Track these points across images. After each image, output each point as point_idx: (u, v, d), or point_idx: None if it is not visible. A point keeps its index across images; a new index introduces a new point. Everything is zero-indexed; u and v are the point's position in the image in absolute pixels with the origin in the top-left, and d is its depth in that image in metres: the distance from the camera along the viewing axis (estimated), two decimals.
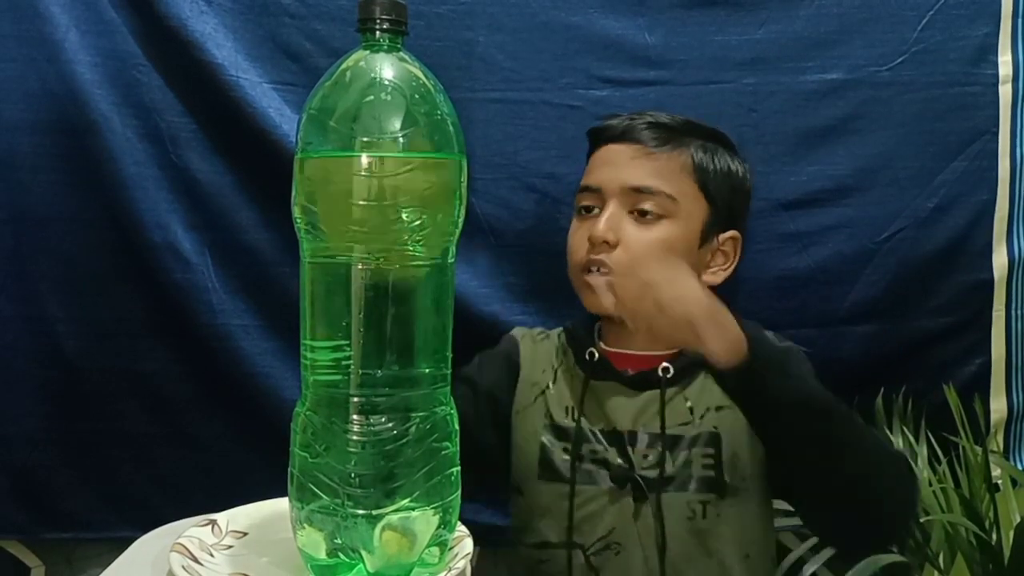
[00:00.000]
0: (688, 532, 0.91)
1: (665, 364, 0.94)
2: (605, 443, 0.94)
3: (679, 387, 0.94)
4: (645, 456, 0.93)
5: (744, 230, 1.03)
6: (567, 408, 0.97)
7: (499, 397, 1.01)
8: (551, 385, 0.99)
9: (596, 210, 0.96)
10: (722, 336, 0.78)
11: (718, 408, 0.92)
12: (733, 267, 1.01)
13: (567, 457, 0.95)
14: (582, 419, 0.95)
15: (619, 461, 0.93)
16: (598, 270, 0.93)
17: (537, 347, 1.03)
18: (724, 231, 0.99)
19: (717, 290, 1.01)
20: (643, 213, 0.94)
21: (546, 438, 0.97)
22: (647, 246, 0.93)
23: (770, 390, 0.81)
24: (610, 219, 0.93)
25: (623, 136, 0.97)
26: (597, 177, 0.97)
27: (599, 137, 1.00)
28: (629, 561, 0.92)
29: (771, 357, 0.83)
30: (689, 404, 0.93)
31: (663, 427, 0.92)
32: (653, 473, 0.92)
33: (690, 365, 0.94)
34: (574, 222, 0.99)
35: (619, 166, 0.96)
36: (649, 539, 0.91)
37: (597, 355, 0.97)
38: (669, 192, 0.94)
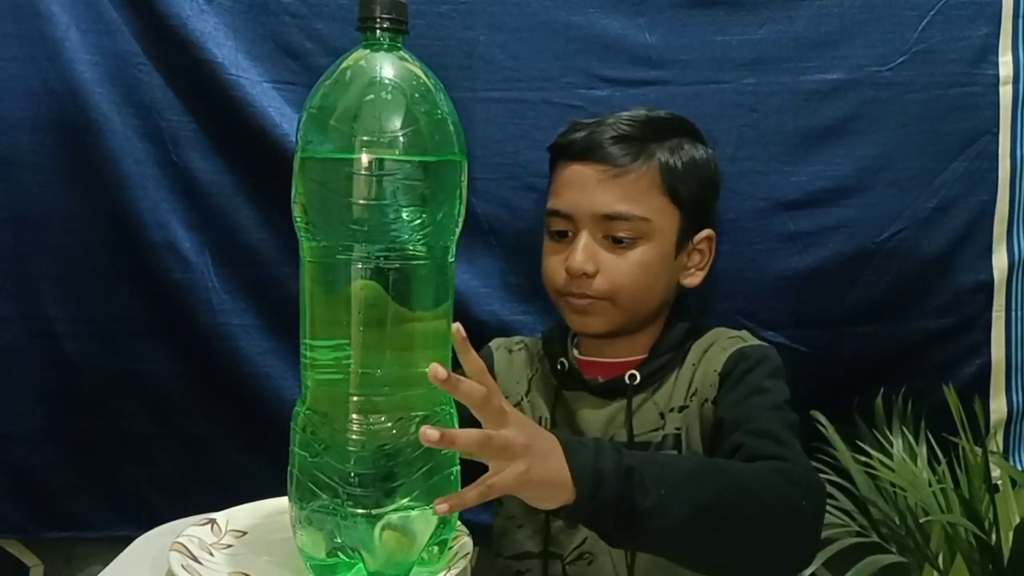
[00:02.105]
0: None
1: (632, 372, 0.94)
2: None
3: (648, 392, 0.94)
4: None
5: (717, 224, 1.02)
6: (541, 419, 0.97)
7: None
8: (525, 397, 0.99)
9: (569, 234, 0.95)
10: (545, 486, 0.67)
11: (681, 408, 0.92)
12: (709, 265, 1.00)
13: None
14: (555, 431, 0.95)
15: None
16: (578, 295, 0.93)
17: (512, 358, 1.03)
18: (698, 231, 0.98)
19: (699, 289, 1.01)
20: (617, 240, 0.92)
21: None
22: (626, 272, 0.92)
23: (616, 532, 0.71)
24: (586, 249, 0.92)
25: (587, 154, 0.94)
26: (567, 202, 0.94)
27: (562, 154, 0.97)
28: (601, 569, 0.92)
29: (606, 503, 0.68)
30: (659, 409, 0.93)
31: (631, 436, 0.92)
32: None
33: (658, 370, 0.94)
34: (547, 244, 0.98)
35: (588, 191, 0.93)
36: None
37: (567, 365, 0.97)
38: (642, 215, 0.92)
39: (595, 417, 0.95)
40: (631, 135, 0.94)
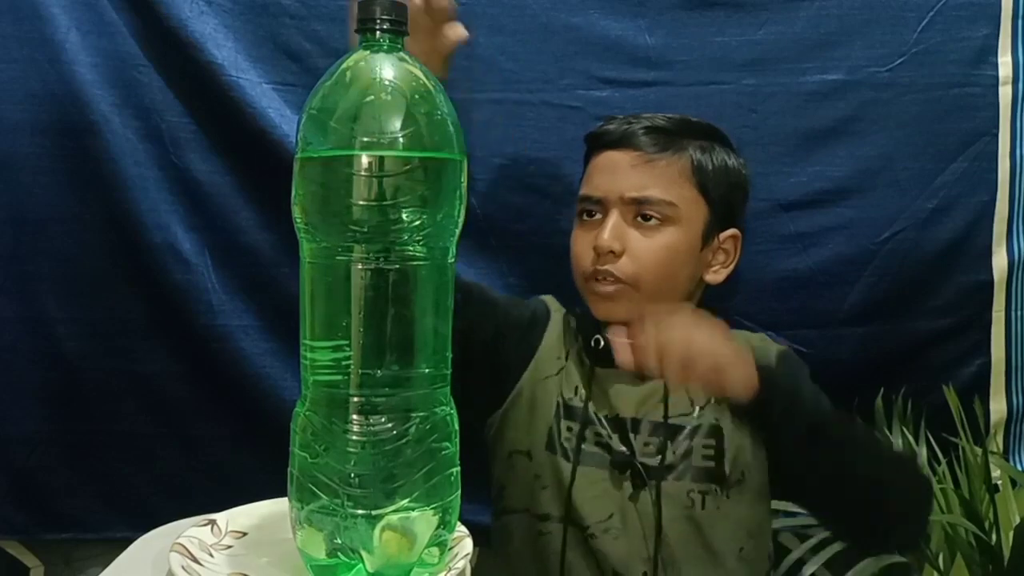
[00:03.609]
0: (685, 520, 0.92)
1: None
2: (608, 428, 0.96)
3: None
4: (647, 444, 0.94)
5: (743, 226, 1.03)
6: (576, 388, 0.98)
7: (505, 334, 1.01)
8: (567, 362, 1.01)
9: (598, 215, 0.97)
10: (744, 376, 0.83)
11: (719, 400, 0.93)
12: (734, 264, 1.01)
13: (571, 437, 0.96)
14: (589, 403, 0.97)
15: (621, 447, 0.95)
16: (604, 279, 0.95)
17: (563, 323, 1.04)
18: (724, 230, 0.99)
19: (718, 289, 1.01)
20: (645, 218, 0.95)
21: (557, 413, 0.98)
22: (652, 254, 0.95)
23: (782, 417, 0.87)
24: (614, 228, 0.94)
25: (621, 142, 0.97)
26: (597, 186, 0.97)
27: (596, 143, 1.00)
28: (626, 546, 0.93)
29: (781, 386, 0.88)
30: (690, 395, 0.94)
31: (666, 416, 0.94)
32: (654, 461, 0.93)
33: None
34: (576, 228, 0.99)
35: (618, 174, 0.96)
36: (648, 525, 0.92)
37: (603, 343, 0.98)
38: (670, 200, 0.95)
39: (629, 394, 0.96)
40: (665, 128, 0.98)
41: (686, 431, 0.93)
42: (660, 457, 0.93)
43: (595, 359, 0.99)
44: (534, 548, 0.98)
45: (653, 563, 0.92)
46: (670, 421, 0.94)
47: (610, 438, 0.95)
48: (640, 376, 0.96)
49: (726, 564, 0.92)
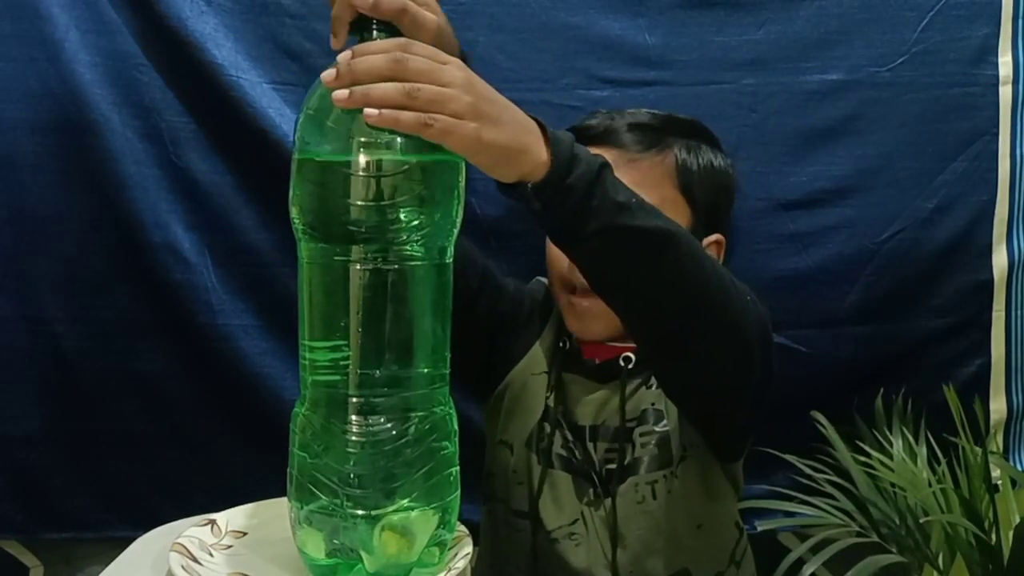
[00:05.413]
0: (641, 516, 0.92)
1: (627, 354, 0.94)
2: (571, 436, 0.95)
3: (642, 379, 0.95)
4: (608, 451, 0.94)
5: (728, 231, 1.02)
6: (552, 388, 0.98)
7: (506, 322, 1.01)
8: (552, 361, 1.00)
9: None
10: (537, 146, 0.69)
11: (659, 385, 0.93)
12: None
13: (545, 438, 0.96)
14: (559, 408, 0.96)
15: (580, 457, 0.94)
16: (584, 294, 0.93)
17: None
18: (708, 234, 0.98)
19: None
20: None
21: (544, 411, 0.97)
22: None
23: (569, 215, 0.71)
24: None
25: (603, 139, 0.95)
26: None
27: (577, 139, 0.98)
28: (587, 552, 0.93)
29: (573, 182, 0.70)
30: (652, 400, 0.94)
31: (623, 421, 0.93)
32: (613, 467, 0.93)
33: None
34: None
35: None
36: (604, 532, 0.92)
37: (568, 344, 0.98)
38: (651, 202, 0.93)
39: (589, 401, 0.96)
40: (649, 124, 0.96)
41: (638, 430, 0.93)
42: (618, 464, 0.92)
43: (560, 363, 0.98)
44: (511, 541, 0.98)
45: (613, 568, 0.91)
46: (628, 425, 0.93)
47: (574, 445, 0.95)
48: (601, 378, 0.96)
49: (684, 544, 0.92)
